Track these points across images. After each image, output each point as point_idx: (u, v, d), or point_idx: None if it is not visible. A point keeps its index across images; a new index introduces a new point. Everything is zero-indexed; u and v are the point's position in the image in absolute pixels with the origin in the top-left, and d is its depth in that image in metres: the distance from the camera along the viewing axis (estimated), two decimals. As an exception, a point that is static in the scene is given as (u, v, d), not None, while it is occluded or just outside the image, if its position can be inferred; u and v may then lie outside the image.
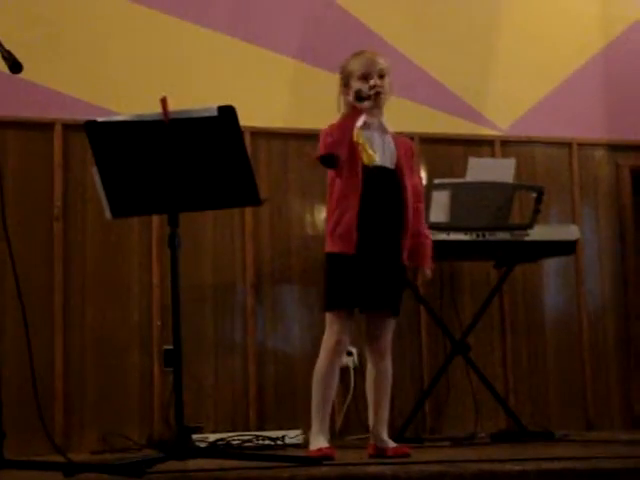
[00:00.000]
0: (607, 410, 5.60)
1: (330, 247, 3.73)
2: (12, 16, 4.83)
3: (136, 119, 3.27)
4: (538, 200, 4.87)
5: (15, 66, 2.85)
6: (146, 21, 5.21)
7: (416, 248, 3.84)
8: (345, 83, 3.81)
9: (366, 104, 3.68)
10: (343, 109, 3.79)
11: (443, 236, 4.72)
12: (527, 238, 4.85)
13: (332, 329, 3.70)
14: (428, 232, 3.96)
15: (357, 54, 3.84)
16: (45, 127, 4.98)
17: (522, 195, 5.27)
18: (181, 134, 3.22)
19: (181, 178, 3.27)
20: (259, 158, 5.22)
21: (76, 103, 5.00)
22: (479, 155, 5.49)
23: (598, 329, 5.70)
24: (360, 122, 3.76)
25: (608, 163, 5.88)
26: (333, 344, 3.69)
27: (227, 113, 3.18)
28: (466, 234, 4.76)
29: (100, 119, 3.30)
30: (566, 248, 5.01)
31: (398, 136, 3.89)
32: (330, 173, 3.78)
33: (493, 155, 5.64)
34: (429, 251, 3.89)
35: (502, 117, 5.72)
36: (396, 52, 5.54)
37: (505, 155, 5.58)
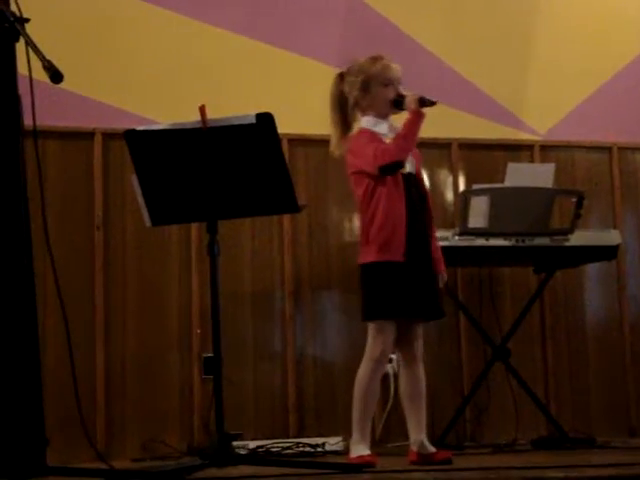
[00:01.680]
0: (650, 416, 5.55)
1: (377, 257, 3.67)
2: (52, 27, 4.87)
3: (175, 127, 3.29)
4: (578, 205, 4.84)
5: (56, 76, 2.87)
6: (185, 30, 5.23)
7: (433, 254, 3.83)
8: (364, 87, 3.78)
9: (426, 110, 3.69)
10: (366, 109, 3.76)
11: (482, 242, 4.70)
12: (567, 243, 4.81)
13: (378, 339, 3.68)
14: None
15: (375, 59, 3.81)
16: (85, 136, 5.02)
17: (562, 200, 5.23)
18: (219, 142, 3.24)
19: (219, 186, 3.28)
20: (297, 165, 5.22)
21: (115, 112, 5.04)
22: (518, 160, 5.47)
23: (640, 334, 5.65)
24: (385, 129, 3.75)
25: (649, 167, 5.83)
26: (378, 354, 3.67)
27: (265, 120, 3.19)
28: (505, 239, 4.74)
29: (140, 128, 3.32)
30: (607, 253, 4.97)
31: None
32: (362, 181, 3.73)
33: (532, 160, 5.60)
34: (442, 256, 3.88)
35: (541, 122, 5.69)
36: (433, 57, 5.53)
37: (544, 160, 5.54)
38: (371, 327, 3.72)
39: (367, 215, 3.72)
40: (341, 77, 3.86)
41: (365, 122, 3.79)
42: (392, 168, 3.66)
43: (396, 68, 3.80)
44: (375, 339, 3.69)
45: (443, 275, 3.85)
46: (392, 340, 3.70)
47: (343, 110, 3.81)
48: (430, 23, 5.61)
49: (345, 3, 5.54)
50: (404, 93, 3.74)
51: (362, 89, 3.78)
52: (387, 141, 3.71)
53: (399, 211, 3.67)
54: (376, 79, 3.77)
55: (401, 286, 3.65)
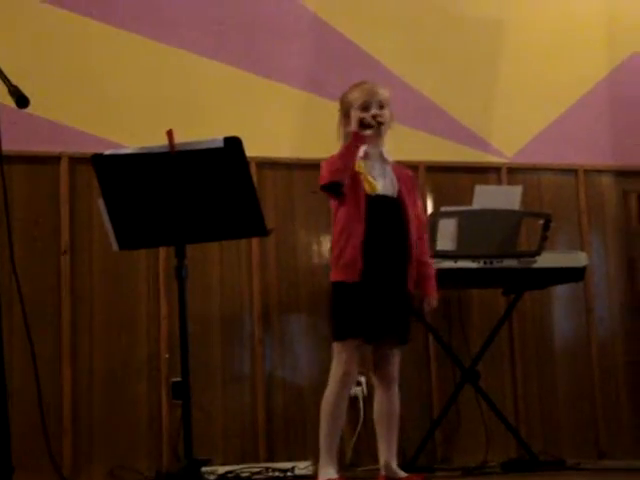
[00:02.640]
0: (619, 438, 5.56)
1: (335, 276, 3.72)
2: (18, 50, 4.85)
3: (142, 152, 3.29)
4: (545, 227, 4.87)
5: (21, 100, 2.86)
6: (152, 54, 5.22)
7: (421, 277, 3.82)
8: (345, 113, 3.81)
9: (368, 132, 3.70)
10: (343, 139, 3.80)
11: (450, 264, 4.71)
12: (535, 265, 4.84)
13: (340, 359, 3.67)
14: (431, 262, 3.96)
15: (357, 85, 3.85)
16: (51, 161, 4.99)
17: (529, 222, 5.26)
18: (187, 166, 3.24)
19: (188, 210, 3.27)
20: (265, 188, 5.22)
21: (82, 136, 5.01)
22: (485, 183, 5.49)
23: (608, 356, 5.67)
24: (361, 152, 3.76)
25: (615, 189, 5.87)
26: (341, 375, 3.66)
27: (233, 144, 3.20)
28: (473, 262, 4.75)
29: (107, 152, 3.32)
30: (574, 275, 5.00)
31: (399, 166, 3.91)
32: (333, 203, 3.78)
33: (499, 182, 5.63)
34: (433, 280, 3.88)
35: (508, 145, 5.72)
36: (401, 81, 5.55)
37: (511, 182, 5.57)
38: (334, 347, 3.72)
39: (333, 236, 3.78)
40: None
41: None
42: (330, 188, 3.68)
43: (376, 92, 3.80)
44: (337, 359, 3.69)
45: (430, 300, 3.85)
46: (355, 360, 3.68)
47: (340, 139, 3.84)
48: (397, 46, 5.63)
49: (313, 27, 5.55)
50: (363, 117, 3.73)
51: (344, 115, 3.82)
52: (356, 164, 3.72)
53: (355, 231, 3.67)
54: (353, 104, 3.78)
55: (355, 307, 3.65)
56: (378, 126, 3.72)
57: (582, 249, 5.53)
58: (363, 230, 3.68)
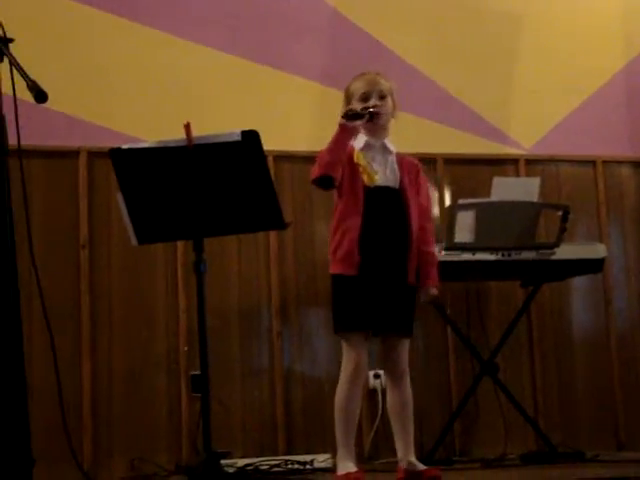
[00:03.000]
0: (638, 429, 5.53)
1: (333, 269, 3.70)
2: (36, 46, 4.87)
3: (160, 145, 3.29)
4: (564, 218, 4.85)
5: (40, 95, 2.87)
6: (169, 48, 5.23)
7: (421, 266, 3.78)
8: (347, 104, 3.79)
9: (358, 123, 3.62)
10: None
11: (469, 256, 4.70)
12: (553, 257, 4.82)
13: (349, 354, 3.67)
14: (435, 251, 3.91)
15: (359, 75, 3.83)
16: (70, 155, 5.01)
17: (548, 214, 5.24)
18: (205, 159, 3.24)
19: (205, 203, 3.28)
20: (282, 182, 5.22)
21: (100, 130, 5.03)
22: (503, 175, 5.48)
23: (628, 347, 5.65)
24: (361, 143, 3.75)
25: (634, 180, 5.85)
26: (351, 369, 3.65)
27: (250, 138, 3.20)
28: (492, 254, 4.74)
29: (125, 146, 3.32)
30: (593, 266, 4.98)
31: (403, 156, 3.86)
32: (335, 195, 3.76)
33: (518, 174, 5.62)
34: (434, 269, 3.82)
35: (526, 136, 5.71)
36: (418, 73, 5.55)
37: (530, 174, 5.56)
38: (342, 343, 3.71)
39: (331, 228, 3.76)
40: None
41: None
42: (321, 182, 3.66)
43: (378, 81, 3.78)
44: (346, 353, 3.68)
45: (428, 289, 3.80)
46: (364, 352, 3.67)
47: None
48: (415, 40, 5.62)
49: (330, 20, 5.55)
50: (351, 106, 3.70)
51: (346, 105, 3.79)
52: (355, 155, 3.71)
53: (353, 224, 3.65)
54: (354, 95, 3.78)
55: (354, 300, 3.63)
56: (370, 117, 3.66)
57: (601, 240, 5.51)
58: (360, 223, 3.65)
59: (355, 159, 3.71)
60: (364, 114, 3.62)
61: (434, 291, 3.82)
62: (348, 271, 3.64)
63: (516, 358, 5.42)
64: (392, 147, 3.82)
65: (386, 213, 3.71)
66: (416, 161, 3.93)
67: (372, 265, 3.65)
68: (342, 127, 3.62)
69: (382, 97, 3.76)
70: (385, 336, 3.74)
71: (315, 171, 3.65)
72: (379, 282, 3.66)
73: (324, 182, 3.65)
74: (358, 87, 3.78)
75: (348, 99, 3.80)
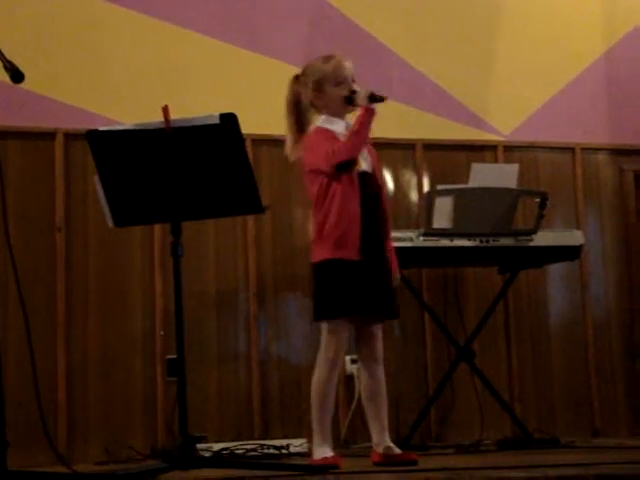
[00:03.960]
0: (613, 416, 5.57)
1: (328, 253, 3.66)
2: (12, 26, 4.82)
3: (138, 128, 3.26)
4: (542, 205, 4.86)
5: (16, 76, 2.84)
6: (147, 29, 5.20)
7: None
8: (317, 87, 3.77)
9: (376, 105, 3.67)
10: (296, 113, 3.77)
11: (446, 242, 4.71)
12: (531, 243, 4.84)
13: (332, 339, 3.66)
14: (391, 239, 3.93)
15: (327, 58, 3.80)
16: (46, 137, 4.97)
17: (526, 200, 5.25)
18: (183, 142, 3.21)
19: (183, 186, 3.26)
20: (261, 165, 5.20)
21: (77, 112, 4.99)
22: (482, 161, 5.48)
23: (604, 334, 5.68)
24: (343, 127, 3.74)
25: (612, 167, 5.87)
26: (332, 355, 3.65)
27: (229, 121, 3.17)
28: (470, 240, 4.75)
29: (102, 128, 3.29)
30: (570, 253, 5.00)
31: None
32: (314, 182, 3.72)
33: (496, 161, 5.62)
34: (395, 256, 3.87)
35: (505, 123, 5.71)
36: (398, 59, 5.54)
37: (508, 160, 5.56)
38: (324, 327, 3.69)
39: (321, 213, 3.70)
40: (296, 79, 3.85)
41: (321, 121, 3.77)
42: (346, 166, 3.66)
43: (349, 65, 3.78)
44: (329, 339, 3.67)
45: (396, 276, 3.84)
46: (346, 339, 3.69)
47: (298, 112, 3.80)
48: (394, 24, 5.61)
49: (310, 4, 5.53)
50: (356, 89, 3.72)
51: (316, 89, 3.77)
52: (342, 139, 3.70)
53: (353, 209, 3.65)
54: (329, 78, 3.75)
55: (355, 284, 3.63)
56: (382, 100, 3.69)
57: (578, 227, 5.52)
58: (359, 208, 3.67)
59: None
60: (384, 98, 3.66)
61: (398, 277, 3.87)
62: (351, 256, 3.63)
63: (493, 344, 5.44)
64: None
65: (371, 197, 3.72)
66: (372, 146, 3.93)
67: (370, 249, 3.66)
68: (370, 111, 3.66)
69: (353, 81, 3.77)
70: (363, 323, 3.74)
71: (341, 154, 3.63)
72: (376, 266, 3.68)
73: (347, 165, 3.65)
74: (330, 71, 3.74)
75: (318, 83, 3.75)
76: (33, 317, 3.26)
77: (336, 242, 3.65)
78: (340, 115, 3.78)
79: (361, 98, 3.68)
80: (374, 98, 3.66)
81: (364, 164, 3.74)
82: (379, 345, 3.76)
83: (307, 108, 3.80)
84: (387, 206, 3.83)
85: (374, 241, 3.70)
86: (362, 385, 3.83)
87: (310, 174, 3.76)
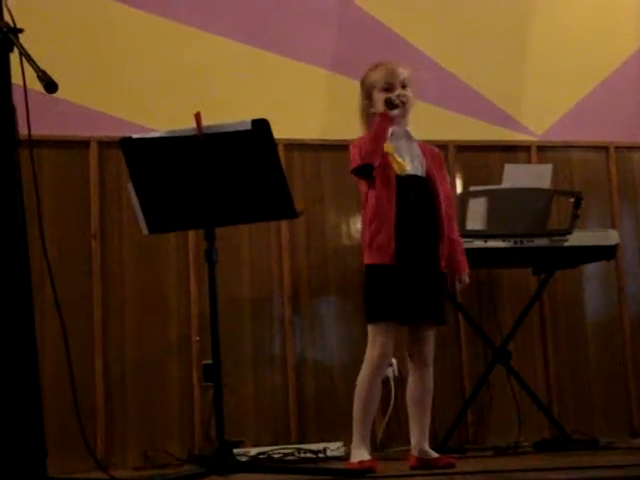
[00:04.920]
0: (653, 417, 5.53)
1: (369, 259, 3.71)
2: (46, 36, 4.86)
3: (171, 135, 3.28)
4: (576, 205, 4.83)
5: (50, 86, 2.86)
6: (178, 36, 5.22)
7: (451, 255, 3.81)
8: (367, 95, 3.82)
9: (396, 112, 3.71)
10: (367, 122, 3.81)
11: (480, 243, 4.69)
12: (566, 244, 4.80)
13: (376, 342, 3.67)
14: (460, 238, 3.93)
15: (377, 65, 3.85)
16: (81, 145, 5.00)
17: (560, 200, 5.22)
18: (216, 149, 3.23)
19: (216, 193, 3.27)
20: (293, 170, 5.21)
21: (111, 120, 5.02)
22: (515, 161, 5.45)
23: (641, 334, 5.63)
24: (388, 133, 3.75)
25: (646, 165, 5.82)
26: (377, 357, 3.67)
27: (261, 127, 3.19)
28: (504, 241, 4.73)
29: (135, 136, 3.32)
30: (606, 253, 4.96)
31: (425, 144, 3.90)
32: (362, 185, 3.78)
33: (529, 161, 5.59)
34: (464, 257, 3.87)
35: (538, 122, 5.68)
36: (429, 60, 5.53)
37: (541, 161, 5.53)
38: (369, 330, 3.72)
39: (364, 218, 3.78)
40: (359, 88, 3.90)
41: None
42: (362, 171, 3.68)
43: (398, 71, 3.80)
44: (373, 342, 3.69)
45: (460, 276, 3.84)
46: (391, 343, 3.70)
47: (362, 120, 3.85)
48: (425, 25, 5.60)
49: (339, 7, 5.53)
50: (390, 95, 3.73)
51: (367, 97, 3.82)
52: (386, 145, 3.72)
53: (388, 213, 3.66)
54: (377, 85, 3.79)
55: (391, 289, 3.64)
56: (403, 105, 3.72)
57: (613, 227, 5.48)
58: (395, 212, 3.67)
59: (385, 148, 3.71)
60: (400, 103, 3.69)
61: (466, 279, 3.87)
62: (386, 260, 3.65)
63: (529, 345, 5.41)
64: (414, 135, 3.84)
65: (417, 201, 3.74)
66: (437, 150, 3.97)
67: (408, 254, 3.67)
68: (384, 116, 3.70)
69: (404, 86, 3.79)
70: (414, 326, 3.75)
71: (356, 160, 3.68)
72: (415, 271, 3.68)
73: (364, 171, 3.67)
74: (379, 77, 3.80)
75: (368, 91, 3.82)
76: (70, 324, 3.27)
77: (372, 247, 3.69)
78: (393, 121, 3.77)
79: (378, 105, 3.71)
80: (391, 104, 3.67)
81: (410, 167, 3.75)
82: (429, 348, 3.78)
83: (364, 115, 3.84)
84: (446, 209, 3.79)
85: (415, 246, 3.69)
86: (409, 387, 3.84)
87: (359, 180, 3.81)
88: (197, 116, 3.22)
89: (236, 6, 5.37)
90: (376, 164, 3.67)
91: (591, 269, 5.55)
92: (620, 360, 5.54)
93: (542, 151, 5.66)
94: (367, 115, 3.82)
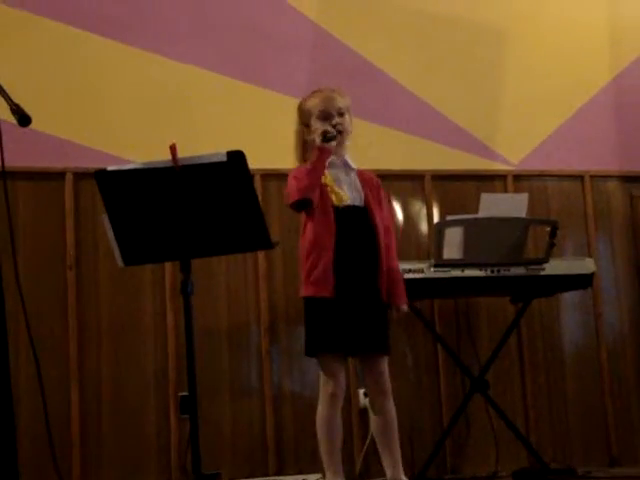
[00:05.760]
0: (630, 445, 5.52)
1: (306, 291, 3.67)
2: (18, 67, 4.85)
3: (146, 167, 3.27)
4: (552, 234, 4.85)
5: (23, 119, 2.85)
6: (154, 67, 5.22)
7: (390, 284, 3.75)
8: (304, 122, 3.79)
9: (333, 144, 3.66)
10: (301, 150, 3.79)
11: (457, 272, 4.69)
12: (543, 272, 4.81)
13: (325, 376, 3.68)
14: (398, 267, 3.86)
15: (315, 92, 3.83)
16: (56, 176, 4.98)
17: (536, 229, 5.24)
18: (191, 180, 3.22)
19: (192, 224, 3.26)
20: (270, 200, 5.20)
21: (86, 151, 5.00)
22: (491, 191, 5.47)
23: (619, 361, 5.64)
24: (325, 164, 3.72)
25: (622, 194, 5.85)
26: (329, 391, 3.66)
27: (236, 158, 3.18)
28: (481, 270, 4.73)
29: (110, 168, 3.30)
30: (582, 282, 4.97)
31: (363, 172, 3.86)
32: (301, 215, 3.74)
33: (505, 190, 5.61)
34: (402, 286, 3.81)
35: (513, 152, 5.70)
36: (404, 89, 5.55)
37: (518, 190, 5.55)
38: (319, 365, 3.70)
39: (302, 250, 3.73)
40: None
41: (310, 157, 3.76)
42: (300, 205, 3.65)
43: (335, 99, 3.78)
44: (322, 376, 3.69)
45: (398, 307, 3.76)
46: (341, 373, 3.68)
47: (297, 147, 3.83)
48: (400, 55, 5.62)
49: (314, 36, 5.54)
50: (328, 127, 3.69)
51: (303, 123, 3.80)
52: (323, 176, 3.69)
53: (326, 245, 3.63)
54: (314, 113, 3.77)
55: (329, 322, 3.61)
56: (340, 135, 3.69)
57: (590, 255, 5.50)
58: (333, 243, 3.63)
59: (322, 179, 3.69)
60: (336, 134, 3.65)
61: (404, 308, 3.81)
62: (323, 293, 3.61)
63: (507, 374, 5.41)
64: (353, 164, 3.81)
65: (355, 232, 3.70)
66: (375, 176, 3.92)
67: (346, 286, 3.63)
68: (322, 150, 3.65)
69: (341, 114, 3.76)
70: (363, 356, 3.73)
71: (293, 195, 3.65)
72: (354, 303, 3.64)
73: (302, 205, 3.65)
74: (315, 104, 3.77)
75: (305, 117, 3.79)
76: (45, 355, 3.27)
77: (310, 279, 3.65)
78: (330, 153, 3.73)
79: (315, 136, 3.68)
80: (326, 137, 3.64)
81: (349, 198, 3.73)
82: (384, 377, 3.72)
83: (301, 142, 3.81)
84: (385, 238, 3.74)
85: (354, 277, 3.65)
86: (371, 419, 3.81)
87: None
88: (172, 147, 3.21)
89: (213, 37, 5.38)
90: (314, 198, 3.63)
91: (568, 297, 5.56)
92: (598, 388, 5.54)
93: (518, 180, 5.68)
94: (303, 142, 3.79)
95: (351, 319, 3.62)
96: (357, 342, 3.65)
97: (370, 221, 3.73)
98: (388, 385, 3.74)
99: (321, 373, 3.68)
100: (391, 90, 5.51)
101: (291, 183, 3.69)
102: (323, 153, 3.65)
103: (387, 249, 3.76)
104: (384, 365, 3.74)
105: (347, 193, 3.74)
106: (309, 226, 3.69)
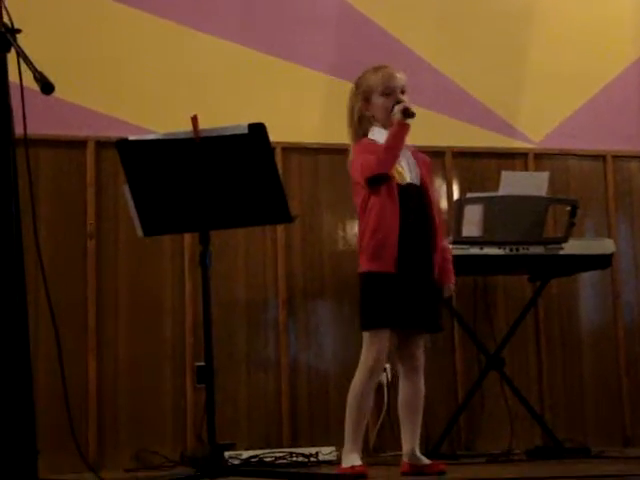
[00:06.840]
0: (645, 425, 5.53)
1: (369, 266, 3.67)
2: (43, 35, 4.86)
3: (167, 137, 3.28)
4: (572, 213, 4.83)
5: (46, 87, 2.85)
6: (177, 38, 5.22)
7: (441, 264, 3.79)
8: (365, 98, 3.78)
9: (411, 121, 3.65)
10: (357, 124, 3.77)
11: (476, 250, 4.69)
12: (562, 252, 4.80)
13: (372, 349, 3.66)
14: (448, 246, 3.93)
15: (377, 69, 3.81)
16: (77, 145, 5.00)
17: (556, 208, 5.22)
18: (212, 152, 3.23)
19: (212, 196, 3.27)
20: (290, 174, 5.21)
21: (108, 121, 5.02)
22: (512, 169, 5.46)
23: (635, 342, 5.63)
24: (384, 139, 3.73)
25: (643, 175, 5.82)
26: (372, 363, 3.65)
27: (257, 130, 3.19)
28: (500, 248, 4.72)
29: (131, 137, 3.31)
30: (601, 262, 4.96)
31: (416, 151, 3.87)
32: (359, 192, 3.74)
33: (526, 168, 5.59)
34: (451, 266, 3.86)
35: (535, 130, 5.68)
36: (428, 66, 5.53)
37: (538, 168, 5.53)
38: (365, 336, 3.70)
39: (362, 225, 3.73)
40: (353, 90, 3.86)
41: (370, 133, 3.78)
42: (378, 180, 3.65)
43: (398, 77, 3.78)
44: (369, 348, 3.68)
45: (449, 286, 3.83)
46: (386, 350, 3.69)
47: (357, 123, 3.81)
48: (424, 31, 5.60)
49: (339, 11, 5.52)
50: (401, 101, 3.70)
51: (364, 100, 3.79)
52: None
53: (391, 222, 3.64)
54: (376, 89, 3.76)
55: (391, 297, 3.62)
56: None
57: (609, 236, 5.49)
58: (398, 221, 3.65)
59: None
60: (414, 114, 3.64)
61: (453, 288, 3.86)
62: (388, 269, 3.63)
63: (523, 352, 5.41)
64: (407, 143, 3.82)
65: (414, 210, 3.72)
66: (428, 157, 3.94)
67: (408, 262, 3.65)
68: (402, 125, 3.63)
69: (402, 92, 3.76)
70: (408, 331, 3.74)
71: (373, 168, 3.63)
72: (413, 279, 3.66)
73: (379, 180, 3.65)
74: (378, 80, 3.76)
75: (365, 94, 3.78)
76: (63, 324, 3.28)
77: (373, 255, 3.66)
78: (409, 130, 3.72)
79: (395, 112, 3.67)
80: (408, 113, 3.64)
81: (409, 176, 3.75)
82: (420, 355, 3.77)
83: (358, 118, 3.80)
84: (437, 219, 3.78)
85: (417, 254, 3.68)
86: (400, 393, 3.83)
87: (355, 186, 3.78)
88: (194, 119, 3.22)
89: (237, 9, 5.37)
90: (390, 172, 3.65)
91: (586, 277, 5.55)
92: (614, 369, 5.54)
93: (539, 159, 5.66)
94: (362, 117, 3.80)
95: (409, 295, 3.64)
96: (411, 318, 3.67)
97: (426, 199, 3.76)
98: (422, 360, 3.78)
99: (367, 345, 3.67)
100: (413, 65, 5.47)
101: (366, 157, 3.67)
102: (403, 129, 3.64)
103: (439, 228, 3.79)
104: (422, 342, 3.78)
105: (407, 171, 3.75)
106: (375, 202, 3.67)
